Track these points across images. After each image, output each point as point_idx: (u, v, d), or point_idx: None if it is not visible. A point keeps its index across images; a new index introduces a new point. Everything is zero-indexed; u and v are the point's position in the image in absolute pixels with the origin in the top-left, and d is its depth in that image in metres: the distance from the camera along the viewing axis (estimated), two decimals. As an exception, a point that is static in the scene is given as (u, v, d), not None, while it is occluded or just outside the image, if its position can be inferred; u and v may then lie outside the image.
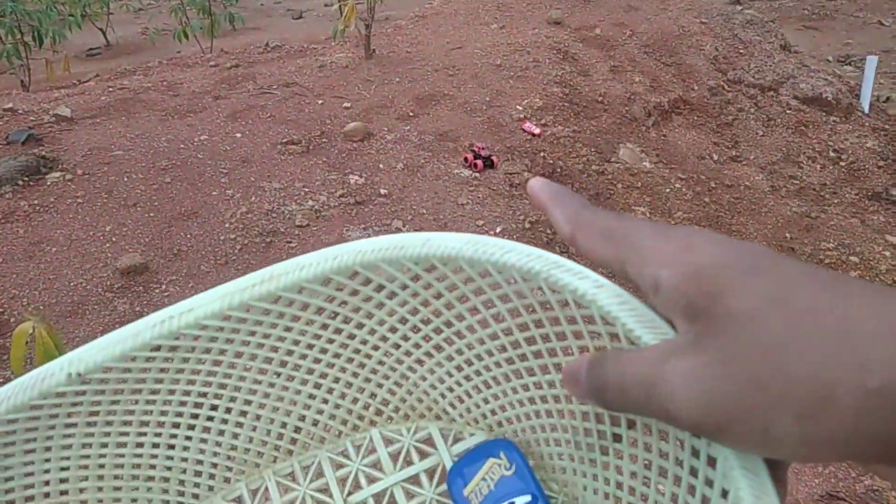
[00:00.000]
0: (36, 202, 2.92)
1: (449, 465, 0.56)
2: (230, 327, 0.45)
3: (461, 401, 0.56)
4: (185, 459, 0.54)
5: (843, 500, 2.21)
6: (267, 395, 0.53)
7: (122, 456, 0.51)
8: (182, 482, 0.55)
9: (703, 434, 0.29)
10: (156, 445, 0.52)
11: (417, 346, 0.53)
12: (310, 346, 0.51)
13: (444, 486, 0.55)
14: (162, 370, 0.47)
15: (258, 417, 0.54)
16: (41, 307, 2.36)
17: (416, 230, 0.52)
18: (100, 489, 0.51)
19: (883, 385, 0.23)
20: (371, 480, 0.57)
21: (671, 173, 3.80)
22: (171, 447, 0.52)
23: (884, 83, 5.79)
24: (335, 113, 3.82)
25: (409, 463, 0.57)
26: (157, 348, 0.44)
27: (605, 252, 0.33)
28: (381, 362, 0.54)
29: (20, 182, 3.03)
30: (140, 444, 0.51)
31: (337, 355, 0.53)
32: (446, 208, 3.09)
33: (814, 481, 2.29)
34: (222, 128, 3.62)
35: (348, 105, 3.91)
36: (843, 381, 0.23)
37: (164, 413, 0.50)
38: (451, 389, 0.56)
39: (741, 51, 4.88)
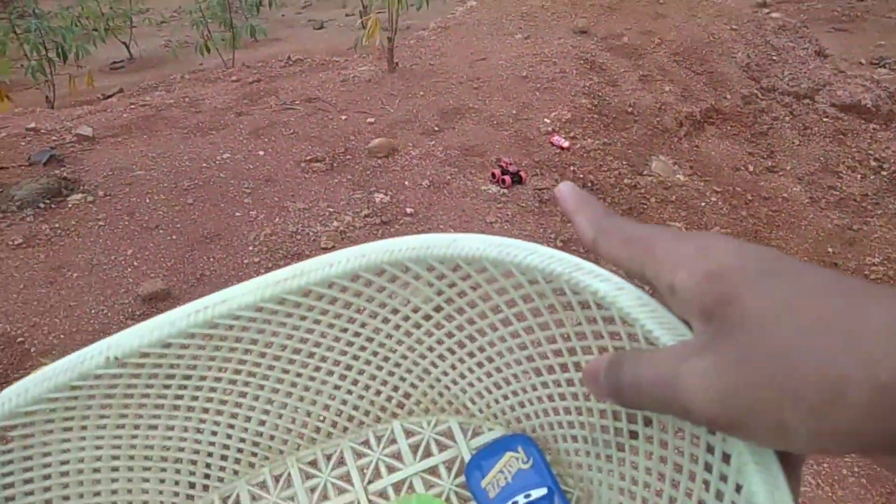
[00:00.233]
0: (57, 225, 2.87)
1: (467, 458, 0.57)
2: (262, 318, 0.47)
3: (481, 396, 0.57)
4: (212, 444, 0.56)
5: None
6: (294, 385, 0.55)
7: (154, 438, 0.53)
8: (209, 465, 0.57)
9: (719, 429, 0.30)
10: (185, 429, 0.54)
11: (441, 342, 0.54)
12: (337, 339, 0.53)
13: (461, 478, 0.57)
14: (195, 357, 0.48)
15: (284, 406, 0.56)
16: (54, 353, 2.29)
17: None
18: (130, 469, 0.53)
19: (892, 380, 0.23)
20: (391, 470, 0.58)
21: (706, 186, 3.68)
22: (200, 431, 0.54)
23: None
24: (359, 128, 3.75)
25: (428, 455, 0.59)
26: (192, 336, 0.45)
27: (625, 256, 0.34)
28: (404, 357, 0.56)
29: (41, 205, 2.98)
30: (171, 427, 0.53)
31: (363, 348, 0.54)
32: (474, 227, 3.00)
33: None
34: (245, 145, 3.56)
35: (372, 120, 3.83)
36: (853, 376, 0.24)
37: (195, 398, 0.52)
38: (471, 385, 0.57)
39: (774, 57, 4.74)
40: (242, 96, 4.30)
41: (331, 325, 0.51)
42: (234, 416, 0.55)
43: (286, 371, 0.54)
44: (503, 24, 5.28)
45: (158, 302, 2.50)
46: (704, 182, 3.72)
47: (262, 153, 3.49)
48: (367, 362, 0.56)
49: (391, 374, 0.57)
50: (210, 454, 0.56)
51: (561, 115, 3.84)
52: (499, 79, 4.25)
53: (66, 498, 0.51)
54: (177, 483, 0.56)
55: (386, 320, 0.52)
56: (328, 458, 0.59)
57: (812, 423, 0.25)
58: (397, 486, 0.57)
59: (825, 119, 4.40)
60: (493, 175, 3.35)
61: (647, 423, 0.41)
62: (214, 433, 0.55)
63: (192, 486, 0.57)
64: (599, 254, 0.36)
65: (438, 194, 3.22)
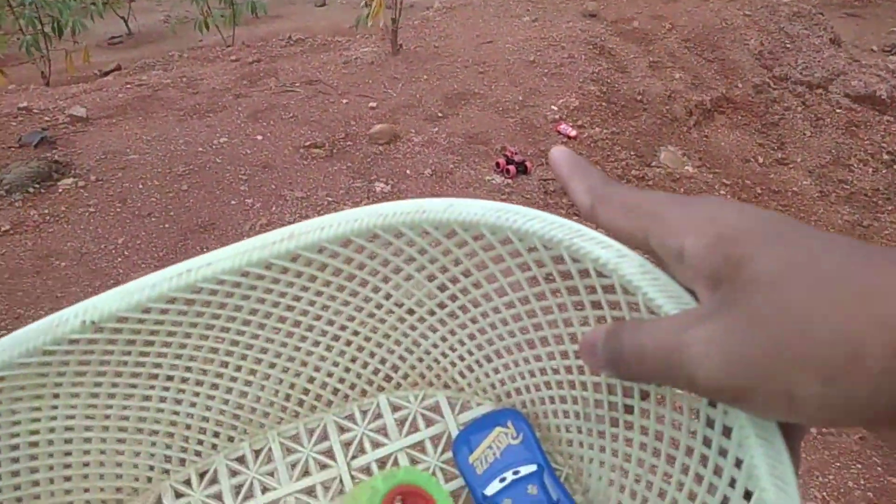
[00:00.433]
0: (46, 211, 2.78)
1: (455, 433, 0.56)
2: (248, 284, 0.45)
3: (471, 370, 0.56)
4: (190, 415, 0.54)
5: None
6: (278, 355, 0.53)
7: (129, 408, 0.51)
8: (186, 438, 0.55)
9: (724, 400, 0.29)
10: (163, 399, 0.52)
11: (432, 312, 0.53)
12: (325, 308, 0.51)
13: (448, 454, 0.55)
14: (175, 323, 0.46)
15: (267, 377, 0.54)
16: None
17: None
18: (104, 440, 0.51)
19: None
20: (376, 445, 0.57)
21: (715, 178, 3.58)
22: (178, 402, 0.52)
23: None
24: (360, 113, 3.64)
25: (414, 430, 0.57)
26: (173, 300, 0.44)
27: (627, 224, 0.33)
28: (394, 328, 0.54)
29: (31, 189, 2.89)
30: (148, 398, 0.51)
31: (351, 318, 0.52)
32: (477, 219, 2.91)
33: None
34: (242, 129, 3.46)
35: (374, 105, 3.73)
36: (868, 340, 0.23)
37: (174, 367, 0.50)
38: (462, 358, 0.55)
39: (788, 45, 4.61)
40: (241, 77, 4.19)
41: (318, 293, 0.49)
42: (214, 386, 0.53)
43: (270, 341, 0.52)
44: (510, 5, 5.14)
45: (150, 294, 2.42)
46: (713, 174, 3.62)
47: (259, 137, 3.39)
48: (355, 333, 0.54)
49: (379, 345, 0.55)
50: (188, 426, 0.54)
51: (568, 103, 3.73)
52: (505, 63, 4.13)
53: (35, 470, 0.49)
54: (152, 456, 0.54)
55: (376, 289, 0.50)
56: (311, 432, 0.58)
57: (823, 389, 0.24)
58: (382, 462, 0.56)
59: (838, 110, 4.28)
60: (498, 165, 3.26)
61: (644, 396, 0.40)
62: (193, 404, 0.53)
63: (167, 459, 0.55)
64: (598, 222, 0.35)
65: (441, 184, 3.12)
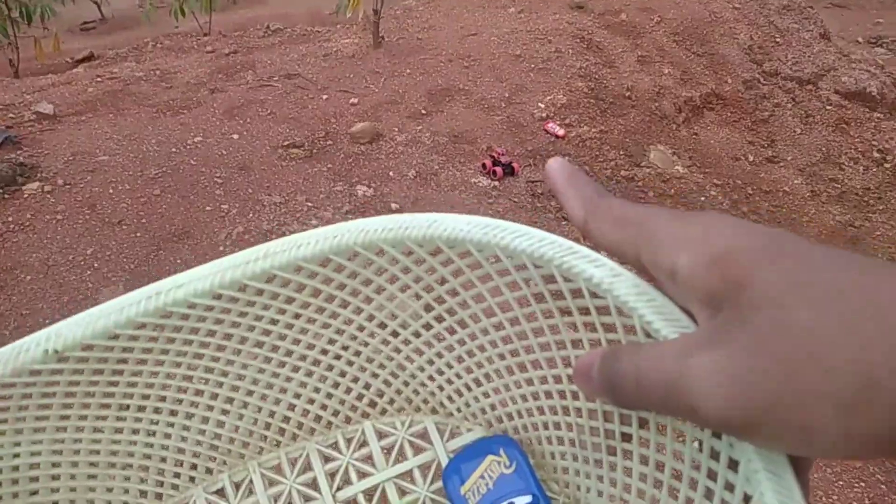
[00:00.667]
0: (10, 219, 2.64)
1: (444, 461, 0.54)
2: (221, 307, 0.42)
3: (460, 394, 0.53)
4: (165, 447, 0.51)
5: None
6: (256, 382, 0.50)
7: (99, 441, 0.48)
8: (161, 471, 0.52)
9: (732, 432, 0.28)
10: (135, 431, 0.49)
11: (417, 334, 0.50)
12: (303, 331, 0.48)
13: (438, 484, 0.53)
14: (146, 350, 0.44)
15: (245, 405, 0.51)
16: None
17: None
18: (73, 476, 0.48)
19: None
20: (362, 475, 0.54)
21: (705, 179, 3.50)
22: (152, 434, 0.50)
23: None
24: (341, 110, 3.52)
25: (402, 458, 0.54)
26: (142, 326, 0.41)
27: (618, 239, 0.31)
28: (377, 350, 0.51)
29: (-6, 195, 2.74)
30: (119, 430, 0.48)
31: (332, 341, 0.50)
32: (463, 225, 2.81)
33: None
34: (218, 127, 3.32)
35: (355, 101, 3.60)
36: (883, 363, 0.22)
37: (145, 397, 0.47)
38: (449, 382, 0.53)
39: (778, 40, 4.53)
40: (217, 70, 4.04)
41: (297, 316, 0.47)
42: (189, 416, 0.50)
43: (247, 367, 0.49)
44: (495, -5, 5.02)
45: (120, 309, 2.30)
46: (704, 174, 3.54)
47: (236, 136, 3.26)
48: (337, 357, 0.51)
49: (362, 369, 0.52)
50: (163, 459, 0.51)
51: (556, 100, 3.63)
52: (490, 57, 4.01)
53: None
54: (126, 491, 0.51)
55: (358, 310, 0.48)
56: (293, 462, 0.55)
57: (842, 422, 0.22)
58: (369, 493, 0.54)
59: (828, 107, 4.22)
60: (484, 166, 3.16)
61: (643, 424, 0.38)
62: (168, 436, 0.50)
63: (142, 494, 0.52)
64: (590, 236, 0.33)
65: (425, 187, 3.01)
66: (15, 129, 3.20)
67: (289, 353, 0.49)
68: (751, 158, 3.83)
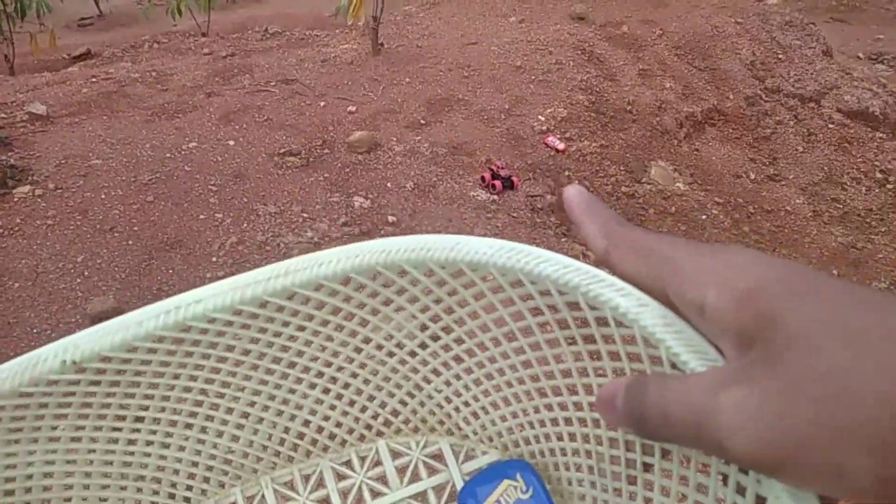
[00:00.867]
0: (0, 224, 2.58)
1: (459, 483, 0.53)
2: (240, 322, 0.42)
3: (476, 416, 0.53)
4: (179, 460, 0.51)
5: None
6: (272, 398, 0.50)
7: (113, 452, 0.48)
8: (174, 484, 0.52)
9: (761, 470, 0.27)
10: (150, 443, 0.49)
11: (435, 355, 0.50)
12: (322, 349, 0.48)
13: None
14: (163, 363, 0.44)
15: (260, 420, 0.51)
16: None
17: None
18: (86, 487, 0.48)
19: None
20: (375, 494, 0.54)
21: (707, 196, 3.47)
22: (166, 446, 0.50)
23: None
24: (339, 118, 3.47)
25: (416, 478, 0.54)
26: (161, 339, 0.41)
27: (642, 271, 0.31)
28: (394, 370, 0.51)
29: (-17, 198, 2.68)
30: (133, 441, 0.49)
31: (349, 360, 0.50)
32: (461, 239, 2.76)
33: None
34: (214, 133, 3.27)
35: (353, 109, 3.55)
36: None
37: (161, 409, 0.47)
38: (466, 404, 0.52)
39: (780, 56, 4.50)
40: (214, 73, 3.99)
41: (315, 333, 0.46)
42: (204, 430, 0.50)
43: (264, 382, 0.49)
44: (496, 3, 4.98)
45: (109, 321, 2.25)
46: (705, 192, 3.50)
47: (231, 143, 3.21)
48: (354, 375, 0.51)
49: (379, 388, 0.52)
50: (176, 472, 0.51)
51: (556, 113, 3.59)
52: (491, 67, 3.97)
53: None
54: (138, 503, 0.51)
55: (377, 329, 0.48)
56: (306, 479, 0.55)
57: (875, 464, 0.22)
58: None
59: (830, 125, 4.19)
60: (483, 179, 3.11)
61: (665, 455, 0.37)
62: (182, 449, 0.50)
63: None
64: (611, 266, 0.33)
65: (423, 199, 2.97)
66: (6, 130, 3.14)
67: (306, 370, 0.49)
68: (752, 176, 3.80)
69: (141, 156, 3.04)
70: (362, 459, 0.55)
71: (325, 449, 0.55)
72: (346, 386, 0.52)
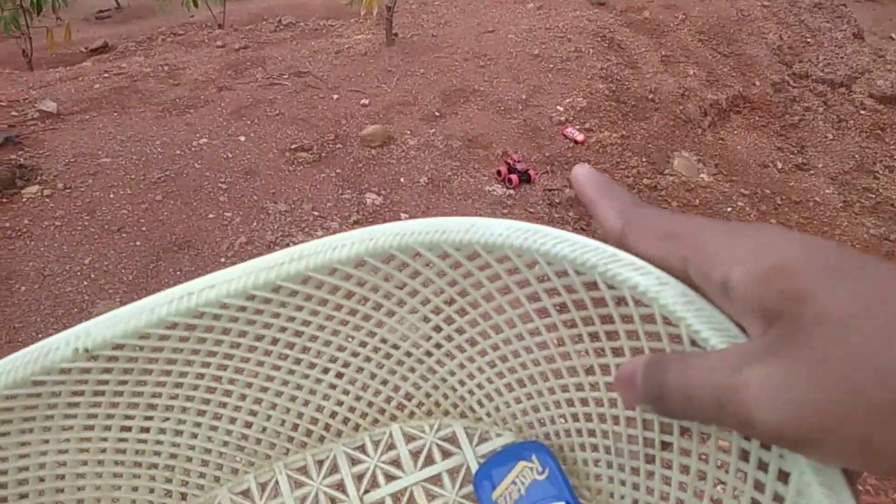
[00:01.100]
0: (7, 224, 2.55)
1: (473, 465, 0.53)
2: (253, 307, 0.42)
3: (490, 399, 0.53)
4: (192, 447, 0.51)
5: None
6: (285, 383, 0.50)
7: (126, 440, 0.48)
8: (187, 471, 0.52)
9: (786, 445, 0.27)
10: (162, 431, 0.49)
11: (449, 338, 0.50)
12: (335, 333, 0.48)
13: (467, 488, 0.53)
14: (176, 350, 0.44)
15: (273, 406, 0.51)
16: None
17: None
18: (99, 475, 0.48)
19: None
20: (389, 478, 0.54)
21: (732, 188, 3.35)
22: (179, 433, 0.50)
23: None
24: (352, 111, 3.39)
25: (430, 462, 0.54)
26: (173, 326, 0.41)
27: (663, 251, 0.31)
28: (408, 353, 0.51)
29: (-9, 198, 2.65)
30: (146, 429, 0.49)
31: (363, 344, 0.49)
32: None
33: None
34: (224, 128, 3.21)
35: (366, 101, 3.48)
36: None
37: (174, 396, 0.47)
38: (480, 386, 0.52)
39: (808, 40, 4.34)
40: (226, 66, 3.93)
41: (329, 318, 0.46)
42: (217, 416, 0.50)
43: (277, 368, 0.49)
44: (513, -11, 4.86)
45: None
46: (730, 183, 3.38)
47: (242, 138, 3.15)
48: (367, 359, 0.51)
49: (392, 372, 0.52)
50: (189, 459, 0.51)
51: (575, 103, 3.48)
52: (507, 56, 3.87)
53: None
54: (151, 491, 0.51)
55: (391, 313, 0.47)
56: (320, 464, 0.55)
57: None
58: (396, 496, 0.53)
59: (862, 111, 4.03)
60: (499, 173, 3.02)
61: (684, 433, 0.37)
62: (195, 435, 0.50)
63: (167, 493, 0.52)
64: (628, 248, 0.33)
65: (437, 195, 2.89)
66: (17, 128, 3.10)
67: (319, 355, 0.49)
68: (780, 166, 3.67)
69: (151, 153, 2.99)
70: (376, 444, 0.55)
71: (339, 434, 0.55)
72: (360, 370, 0.51)
